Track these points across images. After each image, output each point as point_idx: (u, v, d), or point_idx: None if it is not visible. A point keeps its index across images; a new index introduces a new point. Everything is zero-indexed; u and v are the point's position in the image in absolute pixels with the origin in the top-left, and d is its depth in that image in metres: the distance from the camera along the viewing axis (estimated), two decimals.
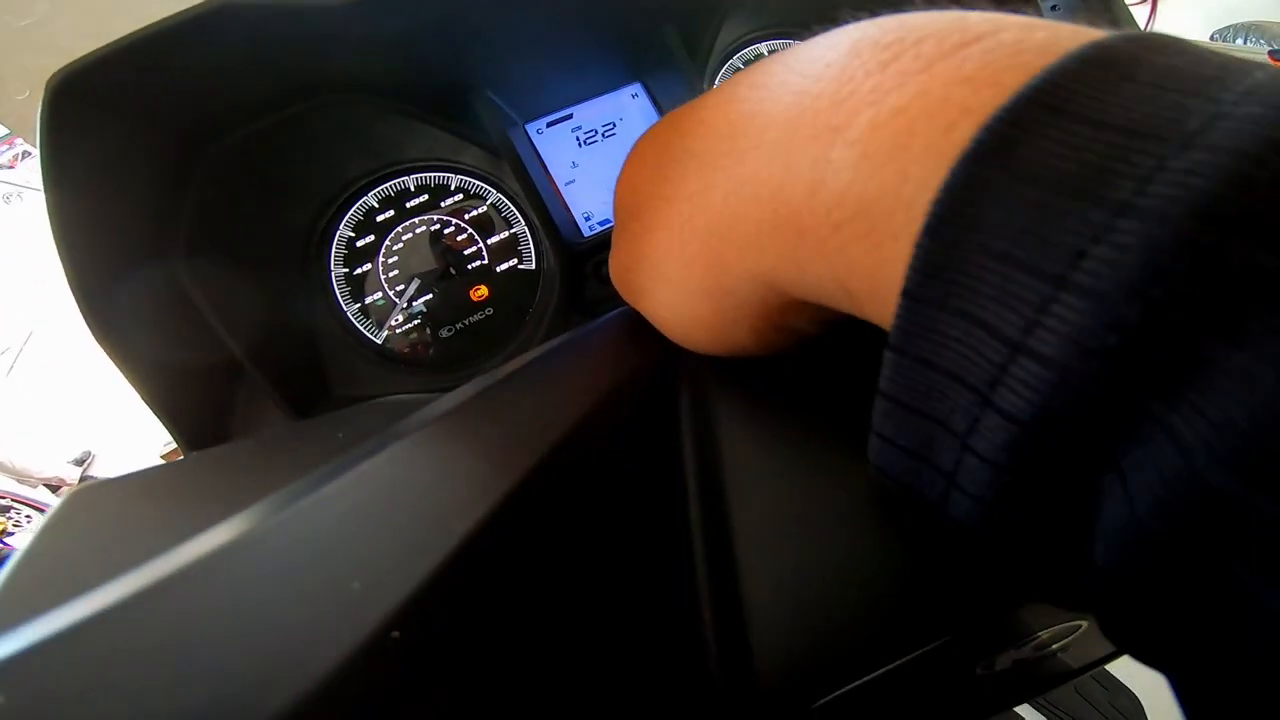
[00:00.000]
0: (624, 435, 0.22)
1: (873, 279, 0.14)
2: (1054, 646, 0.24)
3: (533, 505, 0.17)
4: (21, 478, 2.52)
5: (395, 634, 0.12)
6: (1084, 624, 0.24)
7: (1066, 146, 0.11)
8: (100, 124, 0.34)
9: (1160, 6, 2.05)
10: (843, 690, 0.19)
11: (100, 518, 0.17)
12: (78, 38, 0.32)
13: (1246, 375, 0.09)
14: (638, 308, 0.25)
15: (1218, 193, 0.09)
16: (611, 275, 0.27)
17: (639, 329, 0.26)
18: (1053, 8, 0.55)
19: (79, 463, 2.80)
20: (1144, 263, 0.10)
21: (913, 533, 0.18)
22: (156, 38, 0.31)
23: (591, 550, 0.19)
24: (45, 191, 0.32)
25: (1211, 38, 1.59)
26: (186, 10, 0.31)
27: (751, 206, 0.17)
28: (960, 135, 0.12)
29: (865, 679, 0.19)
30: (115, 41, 0.31)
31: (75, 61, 0.31)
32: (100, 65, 0.31)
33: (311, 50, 0.38)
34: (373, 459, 0.16)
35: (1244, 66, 0.11)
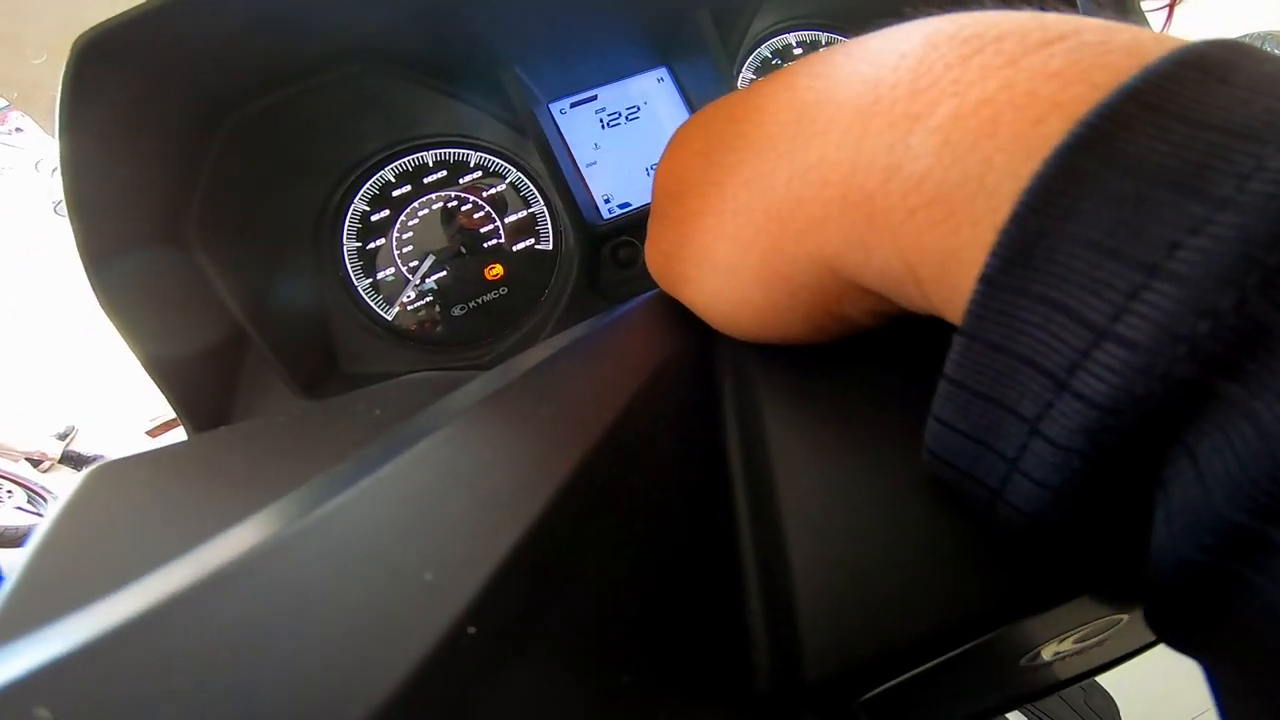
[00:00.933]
0: (668, 418, 0.21)
1: (944, 265, 0.14)
2: (1096, 639, 0.24)
3: (589, 488, 0.16)
4: (3, 451, 2.49)
5: (471, 630, 0.11)
6: (1125, 618, 0.24)
7: (1166, 143, 0.11)
8: (122, 88, 0.32)
9: (1176, 13, 2.08)
10: (892, 684, 0.18)
11: (127, 497, 0.15)
12: (99, 3, 0.30)
13: None
14: (678, 295, 0.25)
15: None
16: (649, 262, 0.27)
17: (674, 312, 0.25)
18: None
19: (62, 437, 2.77)
20: (1240, 253, 0.10)
21: (968, 520, 0.18)
22: (186, 0, 0.30)
23: (644, 534, 0.18)
24: (60, 153, 0.31)
25: None
26: None
27: (819, 189, 0.17)
28: (1050, 128, 0.13)
29: (915, 672, 0.18)
30: (144, 4, 0.30)
31: (103, 23, 0.30)
32: (128, 27, 0.30)
33: (341, 16, 0.36)
34: (428, 440, 0.15)
35: None
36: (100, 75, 0.32)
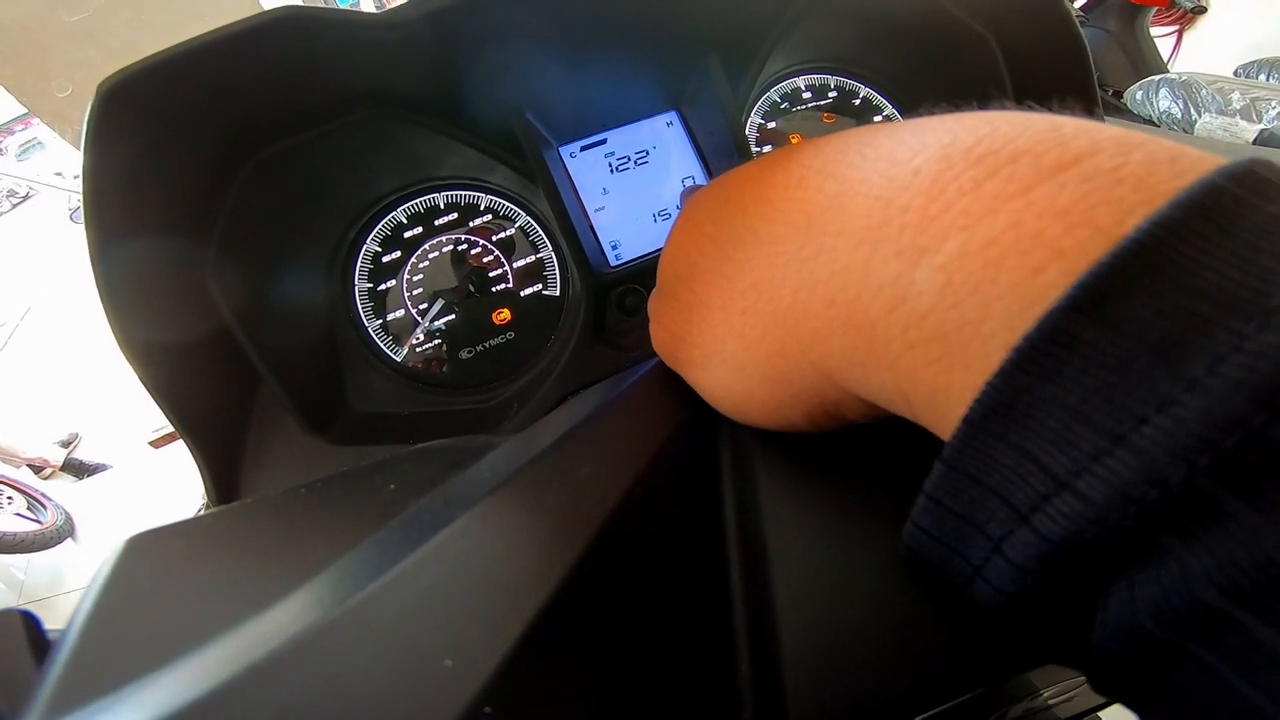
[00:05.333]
0: (669, 495, 0.23)
1: (934, 397, 0.15)
2: (1059, 699, 0.27)
3: (594, 572, 0.17)
4: (6, 457, 2.49)
5: (487, 709, 0.12)
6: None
7: (1155, 312, 0.12)
8: (144, 128, 0.33)
9: (1185, 39, 2.11)
10: None
11: (166, 569, 0.17)
12: (125, 35, 0.31)
13: (1255, 531, 0.11)
14: (685, 376, 0.26)
15: (1277, 382, 0.11)
16: (654, 339, 0.27)
17: (674, 387, 0.26)
18: None
19: (65, 444, 2.78)
20: (1198, 435, 0.11)
21: (937, 599, 0.20)
22: (213, 46, 0.31)
23: (644, 608, 0.19)
24: (83, 191, 0.31)
25: (1235, 72, 1.62)
26: (247, 19, 0.30)
27: (824, 306, 0.18)
28: (1048, 279, 0.13)
29: None
30: (171, 48, 0.31)
31: (129, 67, 0.31)
32: (153, 71, 0.31)
33: (361, 64, 0.37)
34: (446, 531, 0.16)
35: None
36: (123, 116, 0.32)
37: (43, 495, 2.42)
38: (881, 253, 0.16)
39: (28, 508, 2.37)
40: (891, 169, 0.17)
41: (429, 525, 0.17)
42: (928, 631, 0.20)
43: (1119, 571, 0.13)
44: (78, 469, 2.70)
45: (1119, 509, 0.12)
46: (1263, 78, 1.59)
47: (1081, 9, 1.80)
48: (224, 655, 0.12)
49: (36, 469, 2.64)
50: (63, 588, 2.27)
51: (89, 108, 0.30)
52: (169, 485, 2.32)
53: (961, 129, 0.16)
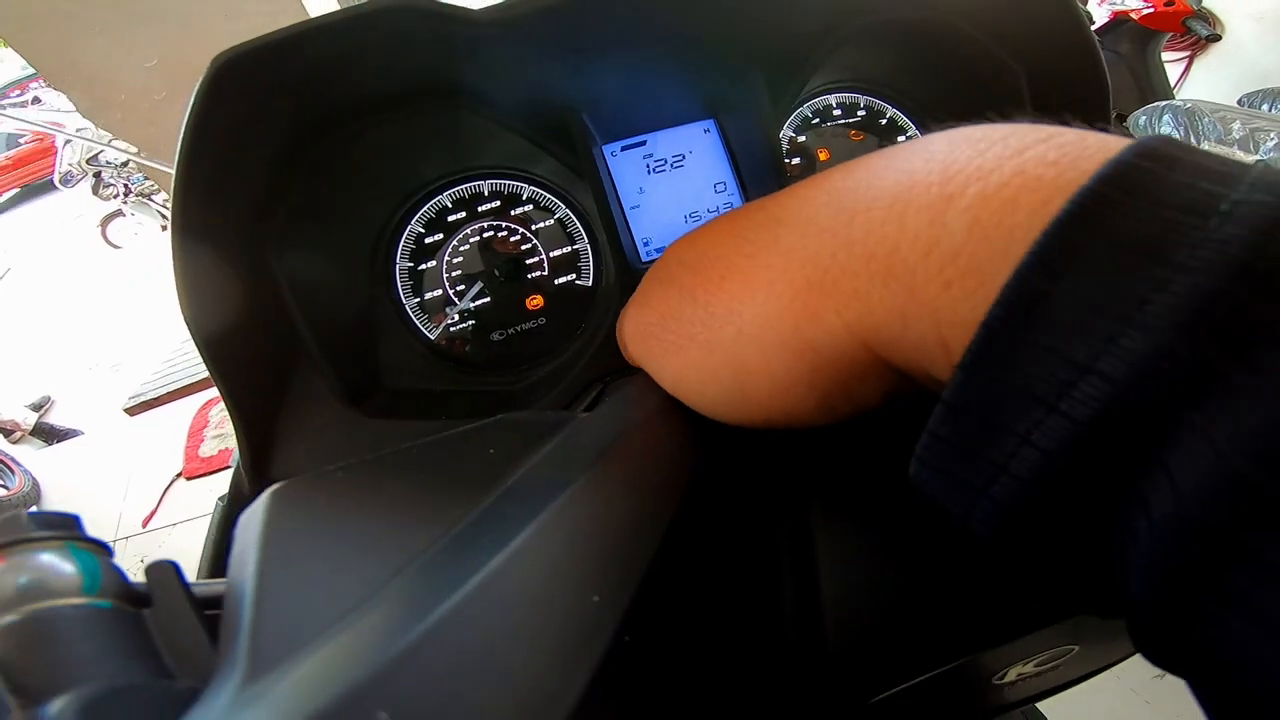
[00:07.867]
0: (732, 467, 0.26)
1: (971, 331, 0.17)
2: (1051, 665, 0.29)
3: (682, 529, 0.20)
4: None
5: (627, 638, 0.15)
6: (1076, 648, 0.28)
7: (1136, 219, 0.14)
8: (244, 104, 0.34)
9: (1196, 66, 2.19)
10: (898, 688, 0.23)
11: (316, 523, 0.18)
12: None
13: (1260, 393, 0.12)
14: (663, 366, 0.26)
15: (1245, 259, 0.13)
16: (631, 321, 0.28)
17: None
18: None
19: (37, 408, 2.73)
20: (1193, 308, 0.13)
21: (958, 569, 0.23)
22: (325, 29, 0.32)
23: (712, 560, 0.23)
24: (177, 165, 0.32)
25: (1239, 101, 1.67)
26: (359, 6, 0.32)
27: (864, 263, 0.19)
28: (1055, 207, 0.15)
29: (916, 680, 0.23)
30: (287, 28, 0.32)
31: (244, 44, 0.32)
32: (267, 50, 0.32)
33: (445, 60, 0.39)
34: (568, 491, 0.18)
35: (1243, 164, 0.15)
36: (229, 91, 0.34)
37: (11, 459, 2.38)
38: (915, 206, 0.18)
39: None
40: (911, 157, 0.20)
41: (552, 486, 0.18)
42: (947, 597, 0.23)
43: (1156, 464, 0.14)
44: (48, 434, 2.66)
45: (1137, 383, 0.13)
46: (1265, 107, 1.64)
47: (1096, 31, 1.85)
48: (417, 601, 0.14)
49: (6, 432, 2.60)
50: None
51: (201, 80, 0.31)
52: (141, 453, 2.29)
53: (959, 129, 0.20)
